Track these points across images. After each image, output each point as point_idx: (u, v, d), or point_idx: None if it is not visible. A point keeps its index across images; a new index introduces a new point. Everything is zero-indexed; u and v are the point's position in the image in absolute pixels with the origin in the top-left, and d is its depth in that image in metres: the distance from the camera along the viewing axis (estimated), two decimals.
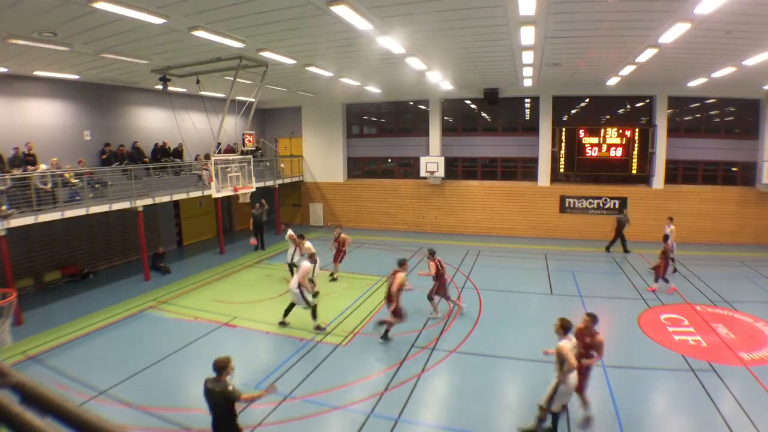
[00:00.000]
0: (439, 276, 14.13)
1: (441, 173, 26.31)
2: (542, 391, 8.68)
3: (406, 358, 11.47)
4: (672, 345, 12.23)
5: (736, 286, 17.11)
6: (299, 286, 12.63)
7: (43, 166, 16.13)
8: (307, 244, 15.94)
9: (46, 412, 1.25)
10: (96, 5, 9.20)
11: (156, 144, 21.67)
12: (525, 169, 26.47)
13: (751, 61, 15.53)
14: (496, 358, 11.62)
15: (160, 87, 17.28)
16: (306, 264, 13.19)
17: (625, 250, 21.97)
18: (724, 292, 16.29)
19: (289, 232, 17.19)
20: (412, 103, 28.03)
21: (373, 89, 24.31)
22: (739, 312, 14.47)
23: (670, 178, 24.64)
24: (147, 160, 20.63)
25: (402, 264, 12.59)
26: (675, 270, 18.22)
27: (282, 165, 29.05)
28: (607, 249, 22.30)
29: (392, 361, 11.30)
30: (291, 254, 16.76)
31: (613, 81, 21.24)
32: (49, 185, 15.10)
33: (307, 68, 17.44)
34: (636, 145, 24.18)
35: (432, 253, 14.31)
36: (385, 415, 9.06)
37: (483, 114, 27.69)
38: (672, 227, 18.23)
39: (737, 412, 9.06)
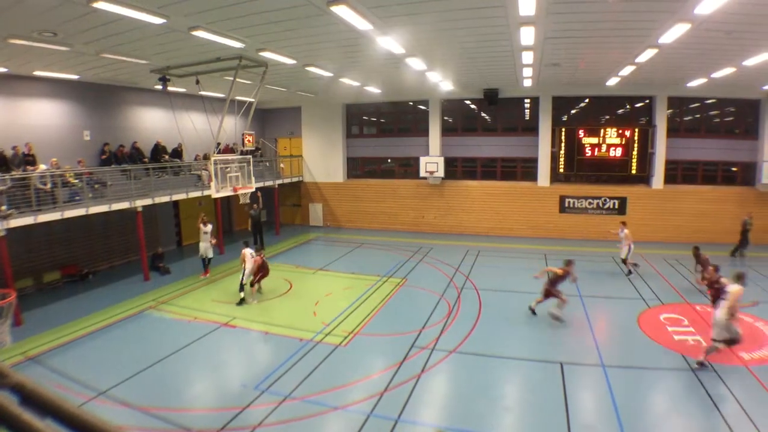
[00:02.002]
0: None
1: (441, 173, 26.33)
2: (542, 391, 8.66)
3: (406, 358, 11.46)
4: (672, 345, 12.23)
5: None
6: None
7: (42, 167, 16.12)
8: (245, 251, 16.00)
9: (45, 414, 1.24)
10: (96, 5, 9.19)
11: (156, 144, 21.64)
12: (525, 170, 26.47)
13: (750, 62, 15.54)
14: (496, 358, 11.62)
15: (159, 87, 17.26)
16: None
17: (735, 253, 21.38)
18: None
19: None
20: (411, 103, 28.03)
21: (373, 89, 24.31)
22: (738, 312, 14.42)
23: (670, 178, 24.66)
24: (147, 160, 20.61)
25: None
26: (630, 273, 18.44)
27: (282, 165, 29.03)
28: (733, 253, 21.35)
29: (392, 361, 11.29)
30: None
31: (612, 81, 21.24)
32: (49, 185, 15.10)
33: (307, 68, 17.44)
34: (635, 145, 24.20)
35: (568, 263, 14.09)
36: (385, 416, 9.05)
37: (483, 114, 27.70)
38: (626, 231, 18.50)
39: (738, 412, 9.05)
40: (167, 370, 10.99)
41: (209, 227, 18.26)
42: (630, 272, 18.39)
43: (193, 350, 12.04)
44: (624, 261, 18.47)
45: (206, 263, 18.58)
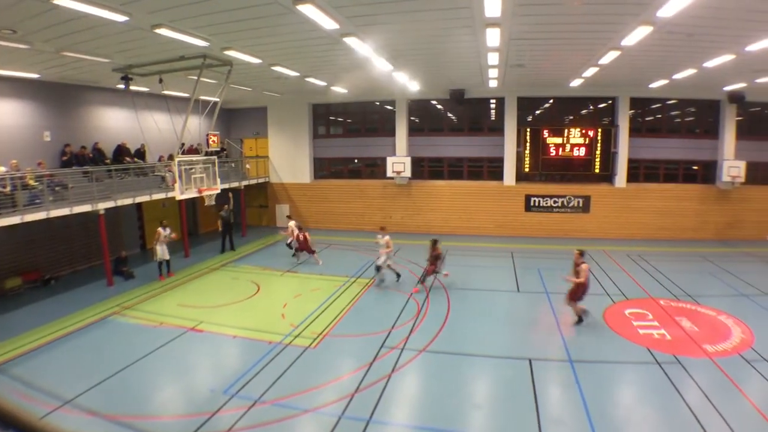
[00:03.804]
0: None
1: (408, 173, 26.38)
2: (512, 388, 8.74)
3: (377, 359, 11.45)
4: (637, 339, 12.51)
5: (698, 281, 17.61)
6: None
7: (1, 169, 15.65)
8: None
9: (7, 426, 1.18)
10: (56, 1, 8.95)
11: (118, 145, 21.15)
12: (491, 169, 26.75)
13: (711, 63, 15.97)
14: (465, 356, 11.70)
15: (121, 86, 16.90)
16: None
17: None
18: (686, 286, 16.74)
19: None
20: (378, 103, 28.05)
21: (340, 89, 24.23)
22: (702, 306, 14.90)
23: (632, 176, 25.25)
24: (108, 161, 20.14)
25: None
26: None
27: (248, 166, 28.68)
28: None
29: (362, 362, 11.27)
30: None
31: (576, 82, 21.62)
32: (8, 188, 14.62)
33: (272, 68, 17.28)
34: (599, 144, 24.72)
35: None
36: (357, 417, 9.03)
37: (449, 114, 27.90)
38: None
39: (704, 403, 9.32)
40: (134, 377, 10.75)
41: (168, 230, 18.09)
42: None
43: (160, 356, 11.81)
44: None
45: (166, 266, 18.39)
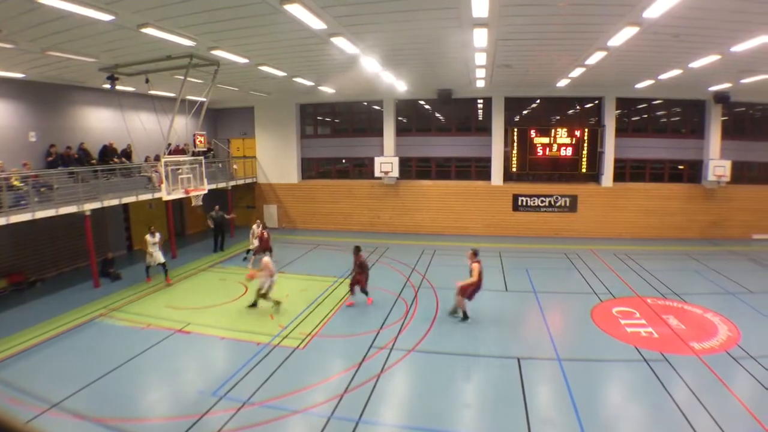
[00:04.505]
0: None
1: (395, 173, 26.38)
2: (501, 387, 8.77)
3: (365, 359, 11.44)
4: (625, 337, 12.60)
5: (684, 279, 17.79)
6: None
7: None
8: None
9: None
10: (41, 0, 8.84)
11: (104, 146, 20.95)
12: (478, 169, 26.83)
13: (697, 64, 16.13)
14: (454, 356, 11.71)
15: (107, 86, 16.76)
16: None
17: None
18: (673, 284, 16.89)
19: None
20: (366, 103, 28.01)
21: (328, 89, 24.20)
22: (688, 304, 15.04)
23: (619, 176, 25.44)
24: (95, 161, 19.95)
25: None
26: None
27: (235, 166, 28.54)
28: None
29: (351, 363, 11.25)
30: None
31: (563, 83, 21.75)
32: None
33: (259, 68, 17.20)
34: (585, 144, 24.87)
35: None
36: (346, 417, 9.02)
37: (437, 114, 27.97)
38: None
39: (691, 400, 9.42)
40: (122, 380, 10.65)
41: (158, 236, 17.74)
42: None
43: (148, 358, 11.71)
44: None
45: (164, 271, 17.92)
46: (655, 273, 18.33)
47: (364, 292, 15.25)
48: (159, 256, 17.63)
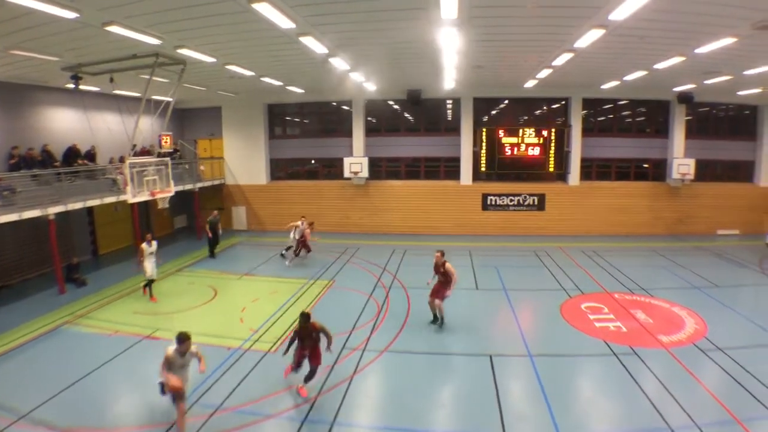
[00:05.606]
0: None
1: (365, 174, 26.33)
2: (474, 385, 8.80)
3: (338, 361, 11.36)
4: (594, 332, 12.82)
5: (651, 275, 18.21)
6: None
7: None
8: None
9: None
10: None
11: (69, 147, 20.37)
12: (448, 169, 26.95)
13: (661, 65, 16.46)
14: (427, 355, 11.75)
15: (71, 86, 16.33)
16: None
17: None
18: (640, 280, 17.27)
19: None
20: (335, 103, 27.83)
21: (296, 89, 24.03)
22: (655, 298, 15.38)
23: (585, 175, 25.89)
24: (58, 164, 19.40)
25: None
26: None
27: (202, 167, 28.06)
28: None
29: (324, 365, 11.13)
30: None
31: (530, 83, 22.00)
32: None
33: (227, 67, 16.98)
34: (552, 144, 25.23)
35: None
36: (321, 419, 8.96)
37: (406, 114, 27.98)
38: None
39: (661, 391, 9.63)
40: (91, 388, 10.36)
41: (154, 245, 16.47)
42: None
43: (117, 365, 11.42)
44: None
45: (149, 288, 16.47)
46: (622, 269, 18.68)
47: (312, 372, 9.95)
48: (149, 270, 16.04)
